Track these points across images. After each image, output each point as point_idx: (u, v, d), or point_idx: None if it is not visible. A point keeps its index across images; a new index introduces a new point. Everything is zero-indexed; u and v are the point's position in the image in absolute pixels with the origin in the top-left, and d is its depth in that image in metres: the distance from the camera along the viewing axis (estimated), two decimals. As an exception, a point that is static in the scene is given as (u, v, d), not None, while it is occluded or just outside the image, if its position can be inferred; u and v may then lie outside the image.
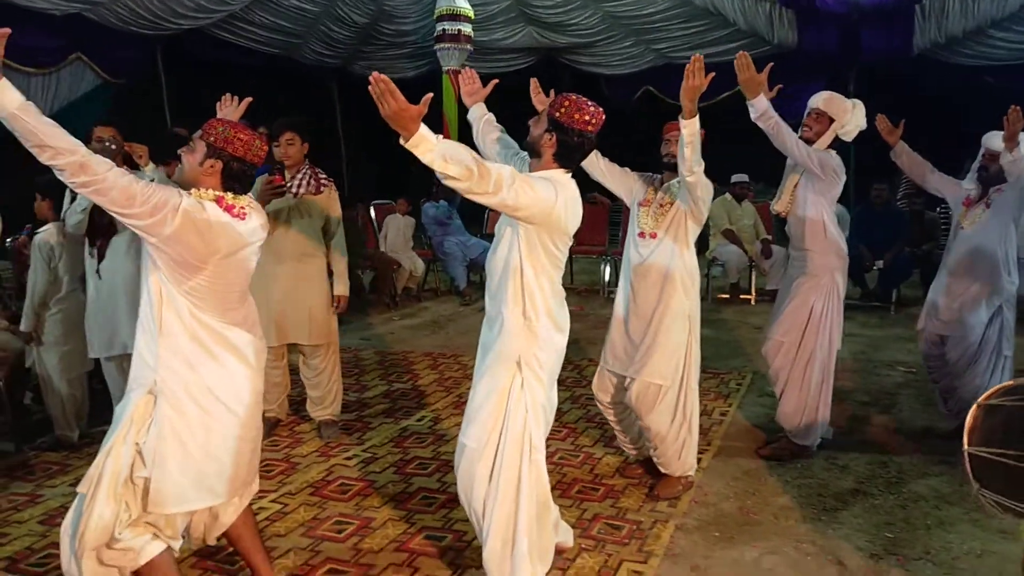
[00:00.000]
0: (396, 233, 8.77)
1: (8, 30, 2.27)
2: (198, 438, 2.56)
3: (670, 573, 3.15)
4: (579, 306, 8.18)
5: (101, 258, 4.23)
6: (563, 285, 2.92)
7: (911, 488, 3.89)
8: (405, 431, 4.73)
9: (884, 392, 5.41)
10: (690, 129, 3.36)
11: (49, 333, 4.43)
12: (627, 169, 3.98)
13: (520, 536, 2.74)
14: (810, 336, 4.20)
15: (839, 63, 10.94)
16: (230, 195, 2.63)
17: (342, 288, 4.55)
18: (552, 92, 3.44)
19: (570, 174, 2.84)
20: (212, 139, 2.59)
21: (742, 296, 8.38)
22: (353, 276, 8.19)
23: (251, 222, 2.66)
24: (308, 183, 4.37)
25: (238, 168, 2.62)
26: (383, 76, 2.30)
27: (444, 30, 9.80)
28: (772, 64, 4.12)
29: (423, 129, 2.33)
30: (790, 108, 12.69)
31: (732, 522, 3.58)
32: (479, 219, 10.24)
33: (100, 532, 2.47)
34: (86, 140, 4.19)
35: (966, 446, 2.10)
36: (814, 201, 4.14)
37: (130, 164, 4.31)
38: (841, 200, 8.76)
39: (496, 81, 3.54)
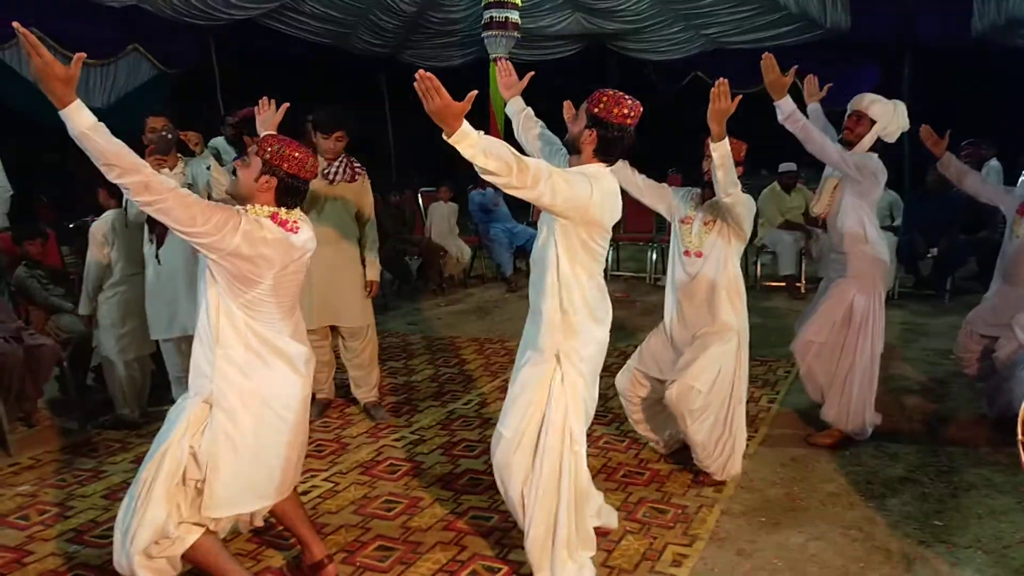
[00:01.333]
0: (440, 220, 8.84)
1: (83, 54, 2.39)
2: (250, 445, 2.67)
3: (715, 556, 3.17)
4: (625, 293, 8.17)
5: (160, 244, 4.37)
6: (609, 272, 2.96)
7: (962, 477, 3.84)
8: (452, 414, 4.80)
9: (936, 381, 5.32)
10: (720, 152, 3.31)
11: (106, 316, 4.59)
12: (664, 185, 3.97)
13: (561, 526, 2.80)
14: (851, 341, 4.13)
15: (893, 48, 10.72)
16: (283, 210, 2.71)
17: (373, 274, 4.65)
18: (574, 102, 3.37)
19: (609, 168, 2.85)
20: (267, 156, 2.66)
21: (796, 284, 8.25)
22: (400, 263, 8.33)
23: (303, 234, 2.75)
24: (344, 171, 4.45)
25: (292, 184, 2.70)
26: (428, 74, 2.37)
27: (492, 17, 9.80)
28: (797, 67, 4.09)
29: (465, 125, 2.40)
30: (842, 95, 12.46)
31: (778, 508, 3.58)
32: (526, 206, 10.26)
33: (152, 532, 2.58)
34: (141, 130, 4.35)
35: (1021, 435, 2.09)
36: (854, 205, 4.10)
37: (183, 151, 4.43)
38: (896, 186, 8.67)
39: (532, 73, 3.49)
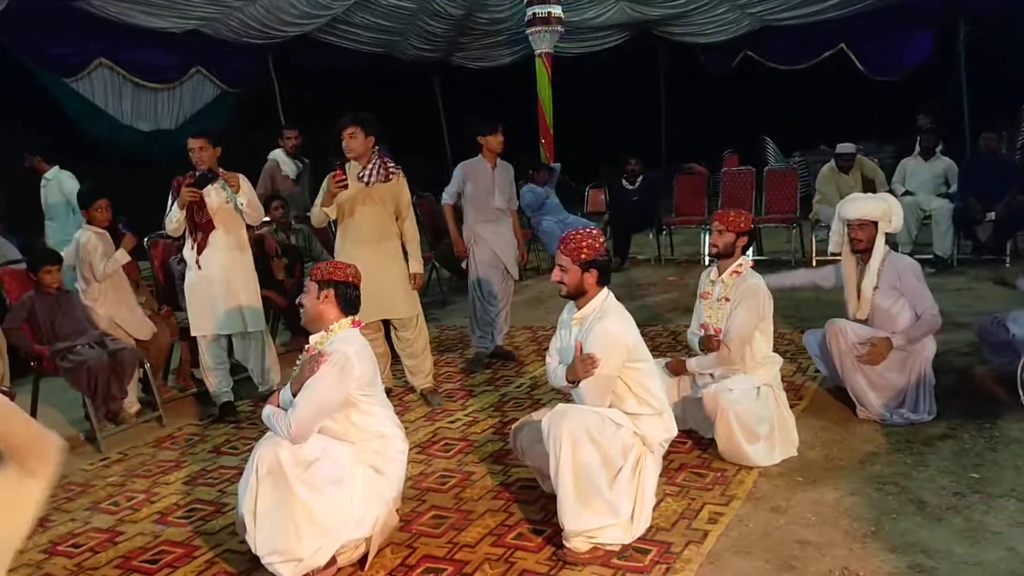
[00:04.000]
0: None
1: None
2: None
3: (750, 514, 3.30)
4: (679, 277, 8.26)
5: (201, 251, 4.79)
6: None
7: (1004, 432, 3.88)
8: (504, 396, 5.02)
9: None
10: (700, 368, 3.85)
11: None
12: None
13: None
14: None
15: (947, 15, 10.50)
16: (350, 315, 3.19)
17: (416, 266, 4.94)
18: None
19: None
20: (320, 276, 3.16)
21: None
22: (457, 260, 8.56)
23: None
24: (377, 172, 4.71)
25: (347, 292, 3.18)
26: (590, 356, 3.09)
27: (535, 14, 9.97)
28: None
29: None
30: (895, 65, 12.20)
31: (816, 468, 3.69)
32: (579, 198, 10.42)
33: None
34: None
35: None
36: (904, 306, 4.20)
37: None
38: (953, 153, 8.50)
39: None
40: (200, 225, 4.80)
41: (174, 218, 4.75)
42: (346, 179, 4.60)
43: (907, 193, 8.00)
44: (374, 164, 4.71)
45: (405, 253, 4.94)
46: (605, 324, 3.14)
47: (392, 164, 4.80)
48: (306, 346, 3.20)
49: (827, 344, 4.30)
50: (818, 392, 4.66)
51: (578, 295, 3.26)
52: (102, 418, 4.73)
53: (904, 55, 11.25)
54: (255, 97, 10.02)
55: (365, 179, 4.68)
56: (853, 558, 2.92)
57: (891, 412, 4.12)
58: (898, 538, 3.02)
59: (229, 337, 5.03)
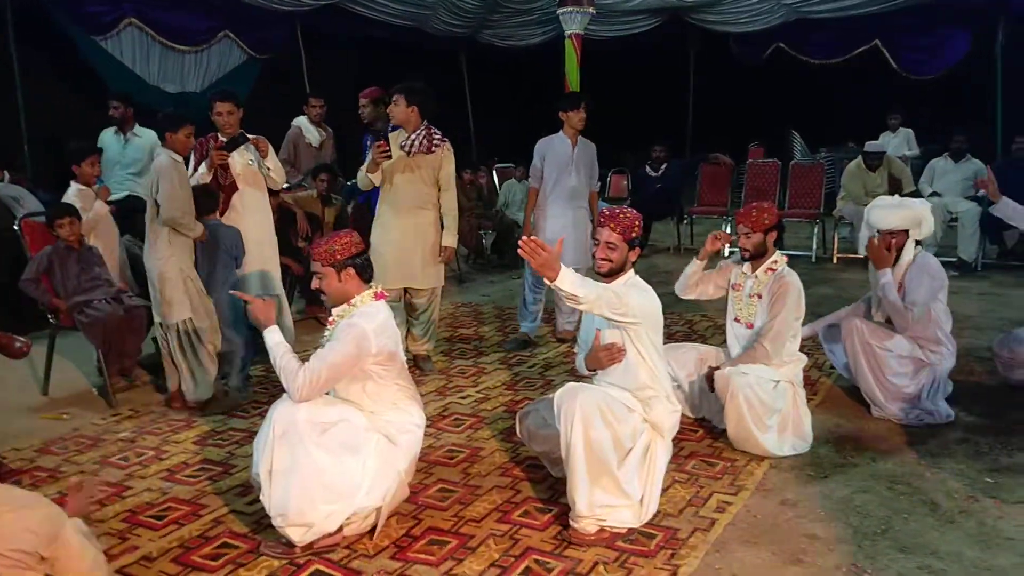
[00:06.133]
0: (514, 197, 9.03)
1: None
2: None
3: (759, 505, 3.28)
4: (698, 266, 8.20)
5: (223, 213, 4.79)
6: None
7: (1020, 439, 3.83)
8: (517, 376, 5.00)
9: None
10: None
11: None
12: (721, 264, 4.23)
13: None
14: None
15: (986, 14, 10.31)
16: (374, 285, 3.15)
17: (450, 240, 4.93)
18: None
19: None
20: (329, 259, 3.04)
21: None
22: (475, 237, 8.56)
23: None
24: (421, 143, 4.71)
25: (361, 262, 3.10)
26: (532, 239, 2.79)
27: (567, -7, 9.86)
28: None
29: (563, 270, 2.84)
30: (932, 62, 12.03)
31: (828, 463, 3.66)
32: (602, 183, 10.35)
33: None
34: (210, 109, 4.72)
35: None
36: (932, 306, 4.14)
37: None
38: (984, 156, 8.40)
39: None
40: (224, 187, 4.80)
41: (198, 179, 4.75)
42: (389, 150, 4.62)
43: (934, 194, 7.90)
44: (419, 134, 4.73)
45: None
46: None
47: (438, 136, 4.81)
48: (329, 319, 3.17)
49: (843, 342, 4.26)
50: (832, 388, 4.62)
51: (616, 273, 3.22)
52: (115, 373, 4.75)
53: (941, 55, 11.05)
54: (281, 64, 9.99)
55: (407, 148, 4.71)
56: (861, 555, 2.89)
57: (906, 413, 4.08)
58: (908, 538, 2.99)
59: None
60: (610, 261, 3.20)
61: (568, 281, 2.86)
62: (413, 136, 4.71)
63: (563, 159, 5.47)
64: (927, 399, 4.08)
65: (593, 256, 3.28)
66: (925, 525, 3.08)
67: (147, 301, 4.88)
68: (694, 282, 4.17)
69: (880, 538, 3.00)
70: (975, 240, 7.59)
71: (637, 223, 3.23)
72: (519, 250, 2.78)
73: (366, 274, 3.13)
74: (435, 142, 4.77)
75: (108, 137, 6.69)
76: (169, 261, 4.34)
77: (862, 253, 4.41)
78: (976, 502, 3.23)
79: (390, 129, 4.77)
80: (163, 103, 8.77)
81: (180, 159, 4.45)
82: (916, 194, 7.46)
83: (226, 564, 2.93)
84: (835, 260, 8.34)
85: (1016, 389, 4.45)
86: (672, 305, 6.57)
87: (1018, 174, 7.61)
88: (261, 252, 4.91)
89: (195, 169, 4.78)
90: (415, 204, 4.80)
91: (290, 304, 5.83)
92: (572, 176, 5.48)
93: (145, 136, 6.79)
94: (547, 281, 2.84)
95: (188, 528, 3.19)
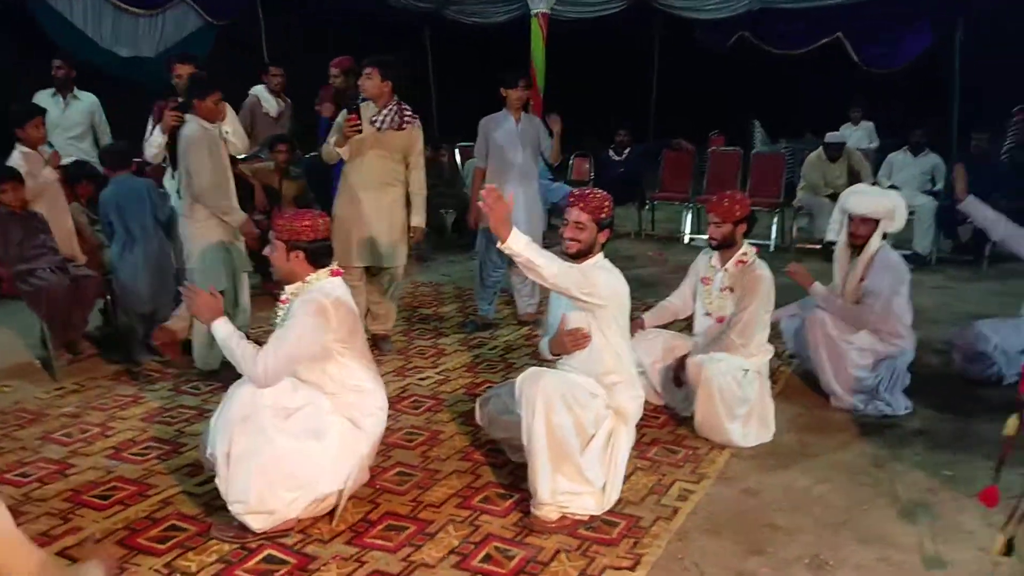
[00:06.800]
0: (472, 175, 8.90)
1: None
2: None
3: (721, 494, 3.26)
4: (659, 252, 8.20)
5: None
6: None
7: (976, 431, 3.87)
8: (477, 358, 4.92)
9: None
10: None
11: None
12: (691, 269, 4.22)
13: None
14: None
15: (946, 10, 10.42)
16: (332, 265, 3.04)
17: (418, 220, 4.81)
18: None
19: None
20: (285, 236, 2.92)
21: (832, 248, 8.13)
22: (436, 217, 8.42)
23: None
24: (392, 119, 4.58)
25: (317, 248, 2.96)
26: (495, 189, 2.76)
27: (533, -27, 9.74)
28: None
29: (515, 231, 2.82)
30: (893, 57, 12.06)
31: (789, 452, 3.65)
32: (563, 166, 10.28)
33: None
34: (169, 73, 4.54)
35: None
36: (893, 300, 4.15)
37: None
38: (941, 152, 8.50)
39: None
40: None
41: (155, 143, 4.58)
42: (360, 124, 4.48)
43: (892, 187, 7.96)
44: (390, 110, 4.59)
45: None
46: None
47: (409, 112, 4.67)
48: (281, 296, 3.05)
49: (804, 333, 4.26)
50: (791, 378, 4.62)
51: (584, 255, 3.15)
52: (59, 346, 4.56)
53: (902, 49, 11.16)
54: (239, 31, 9.70)
55: (377, 124, 4.57)
56: (823, 545, 2.88)
57: (865, 404, 4.10)
58: (868, 529, 2.99)
59: None
60: (578, 242, 3.13)
61: (522, 244, 2.83)
62: (385, 112, 4.57)
63: (508, 136, 5.28)
64: (885, 391, 4.11)
65: (561, 237, 3.21)
66: (885, 517, 3.09)
67: (93, 272, 4.71)
68: (668, 315, 4.26)
69: (841, 529, 3.00)
70: (930, 234, 7.69)
71: (607, 204, 3.16)
72: (479, 203, 2.73)
73: (319, 261, 2.99)
74: (406, 119, 4.63)
75: (45, 100, 6.36)
76: (207, 225, 4.35)
77: (829, 239, 4.40)
78: (935, 495, 3.25)
79: (360, 100, 4.61)
80: (115, 67, 8.49)
81: (211, 127, 4.35)
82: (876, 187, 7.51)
83: (174, 547, 2.83)
84: (793, 250, 8.38)
85: (972, 382, 4.50)
86: (635, 291, 6.57)
87: (973, 171, 7.71)
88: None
89: (150, 134, 4.60)
90: (383, 181, 4.67)
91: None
92: (518, 153, 5.30)
93: (86, 100, 6.55)
94: (500, 244, 2.81)
95: (135, 509, 3.08)
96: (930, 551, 2.85)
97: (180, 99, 4.54)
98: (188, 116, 4.31)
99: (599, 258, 3.19)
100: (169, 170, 4.72)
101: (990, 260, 7.56)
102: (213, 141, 4.32)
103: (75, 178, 5.37)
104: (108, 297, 4.81)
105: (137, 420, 3.93)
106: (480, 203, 2.74)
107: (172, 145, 4.56)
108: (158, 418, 3.96)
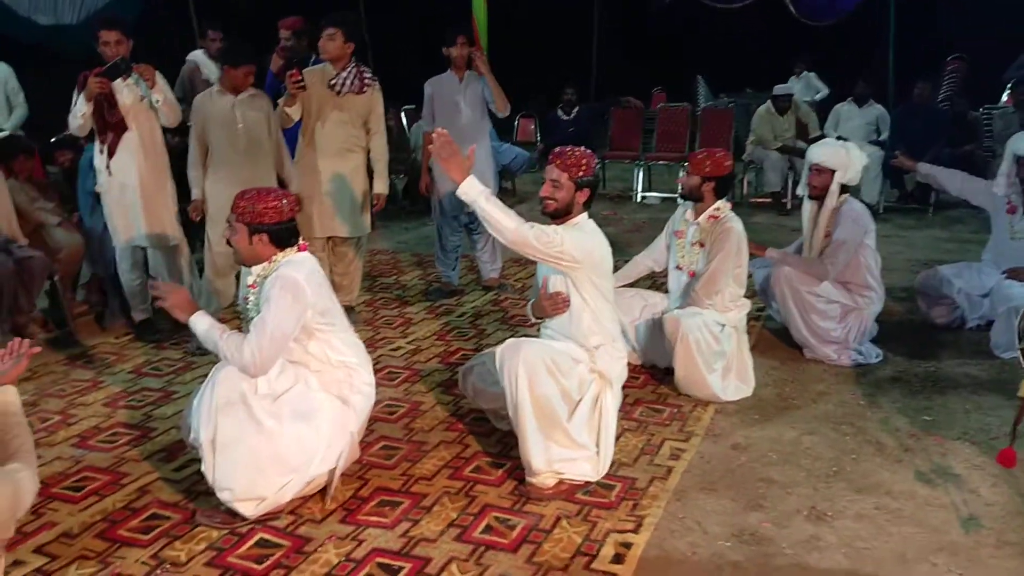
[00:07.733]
0: (420, 140, 8.72)
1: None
2: None
3: (711, 450, 3.25)
4: (612, 211, 8.17)
5: (112, 155, 4.34)
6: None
7: (948, 376, 3.95)
8: (447, 325, 4.83)
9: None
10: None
11: None
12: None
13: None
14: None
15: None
16: (298, 243, 2.88)
17: (381, 186, 4.67)
18: None
19: None
20: (247, 219, 2.75)
21: (783, 200, 8.22)
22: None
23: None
24: (352, 82, 4.42)
25: (281, 230, 2.79)
26: (444, 132, 2.83)
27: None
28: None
29: (471, 178, 2.90)
30: (830, 6, 12.08)
31: (771, 406, 3.67)
32: (509, 127, 10.14)
33: None
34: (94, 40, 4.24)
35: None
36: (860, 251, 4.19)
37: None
38: (882, 100, 8.61)
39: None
40: (111, 125, 4.29)
41: (79, 112, 4.20)
42: (303, 80, 4.27)
43: (839, 139, 8.05)
44: (349, 72, 4.40)
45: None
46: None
47: (369, 75, 4.49)
48: (248, 280, 2.90)
49: (772, 288, 4.28)
50: (763, 332, 4.65)
51: (563, 215, 3.07)
52: (7, 331, 4.30)
53: (838, 1, 11.26)
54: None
55: (337, 87, 4.37)
56: (819, 497, 2.90)
57: (838, 354, 4.14)
58: (861, 478, 3.02)
59: (145, 250, 4.62)
60: (555, 200, 3.04)
61: (477, 191, 2.88)
62: (344, 74, 4.39)
63: (450, 97, 5.10)
64: (854, 342, 4.16)
65: (541, 199, 3.12)
66: (875, 465, 3.12)
67: (37, 252, 4.46)
68: (641, 269, 4.26)
69: (834, 480, 3.02)
70: (878, 183, 7.81)
71: (585, 161, 3.05)
72: (429, 147, 2.70)
73: (284, 242, 2.82)
74: (367, 81, 4.47)
75: None
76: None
77: (801, 192, 4.40)
78: (919, 440, 3.30)
79: (312, 62, 4.41)
80: (35, 36, 8.03)
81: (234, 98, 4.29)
82: (820, 139, 7.58)
83: (159, 537, 2.70)
84: (745, 204, 8.44)
85: (937, 327, 4.59)
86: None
87: (915, 120, 7.86)
88: (154, 200, 4.45)
89: (74, 104, 4.27)
90: (343, 147, 4.50)
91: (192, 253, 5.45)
92: (463, 113, 5.12)
93: None
94: (458, 191, 2.90)
95: (111, 499, 2.93)
96: (923, 496, 2.88)
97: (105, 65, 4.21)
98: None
99: (581, 219, 3.11)
100: (96, 145, 4.40)
101: (935, 208, 7.74)
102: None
103: (7, 155, 5.06)
104: (54, 278, 4.57)
105: (100, 406, 3.75)
106: (430, 147, 2.65)
107: (99, 115, 4.29)
108: (122, 403, 3.78)
